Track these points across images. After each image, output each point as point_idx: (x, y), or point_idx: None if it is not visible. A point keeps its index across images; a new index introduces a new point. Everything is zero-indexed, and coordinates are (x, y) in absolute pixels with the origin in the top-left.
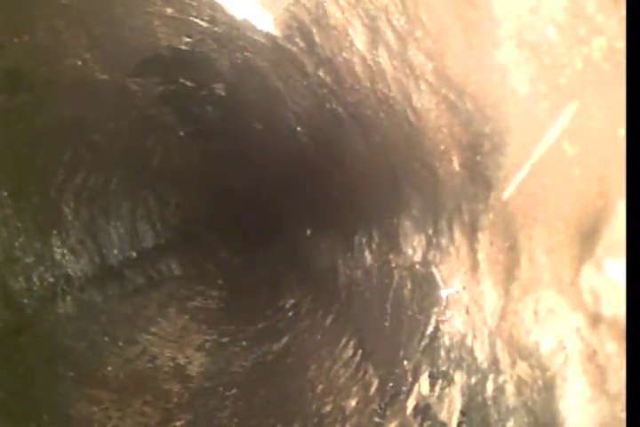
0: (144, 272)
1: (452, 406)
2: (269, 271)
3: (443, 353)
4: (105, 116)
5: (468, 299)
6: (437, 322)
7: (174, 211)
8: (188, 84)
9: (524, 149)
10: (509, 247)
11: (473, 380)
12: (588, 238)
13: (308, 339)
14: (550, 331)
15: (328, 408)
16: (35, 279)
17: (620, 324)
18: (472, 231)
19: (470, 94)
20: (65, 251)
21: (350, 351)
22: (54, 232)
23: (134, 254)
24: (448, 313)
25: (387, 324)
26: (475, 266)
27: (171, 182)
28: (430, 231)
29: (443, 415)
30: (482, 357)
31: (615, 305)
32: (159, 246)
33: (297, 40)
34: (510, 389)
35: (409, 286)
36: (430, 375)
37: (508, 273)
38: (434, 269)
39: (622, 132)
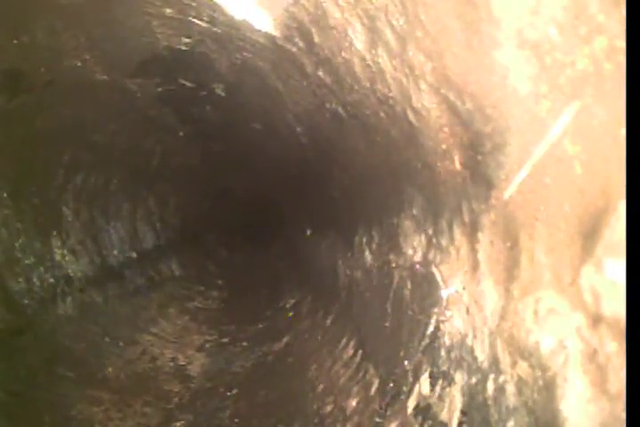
0: (144, 273)
1: (452, 405)
2: (269, 271)
3: (443, 353)
4: (104, 117)
5: (468, 299)
6: (438, 322)
7: (174, 211)
8: (188, 84)
9: (525, 149)
10: (510, 247)
11: (473, 380)
12: (588, 238)
13: (308, 339)
14: (551, 331)
15: (329, 408)
16: (35, 280)
17: (620, 324)
18: (472, 231)
19: (470, 94)
20: (65, 252)
21: (351, 351)
22: (54, 233)
23: (134, 255)
24: (448, 313)
25: (387, 324)
26: (475, 266)
27: (170, 183)
28: (430, 231)
29: (443, 415)
30: (482, 357)
31: (615, 305)
32: (159, 247)
33: (296, 40)
34: (511, 389)
35: (409, 286)
36: (431, 375)
37: (509, 273)
38: (434, 269)
39: (624, 131)
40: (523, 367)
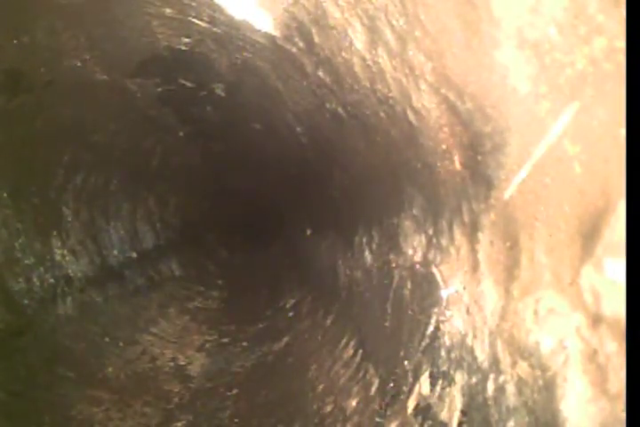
0: (144, 273)
1: (452, 405)
2: (269, 271)
3: (443, 353)
4: (104, 117)
5: (468, 299)
6: (438, 322)
7: (174, 211)
8: (188, 84)
9: (525, 149)
10: (510, 247)
11: (473, 380)
12: (588, 238)
13: (308, 339)
14: (551, 331)
15: (329, 408)
16: (35, 280)
17: (620, 324)
18: (472, 231)
19: (470, 94)
20: (65, 252)
21: (351, 351)
22: (54, 233)
23: (134, 255)
24: (448, 313)
25: (387, 324)
26: (475, 266)
27: (170, 183)
28: (430, 231)
29: (443, 415)
30: (482, 357)
31: (615, 305)
32: (159, 247)
33: (296, 40)
34: (511, 389)
35: (409, 286)
36: (431, 375)
37: (509, 273)
38: (434, 269)
39: (624, 131)
40: (523, 367)
